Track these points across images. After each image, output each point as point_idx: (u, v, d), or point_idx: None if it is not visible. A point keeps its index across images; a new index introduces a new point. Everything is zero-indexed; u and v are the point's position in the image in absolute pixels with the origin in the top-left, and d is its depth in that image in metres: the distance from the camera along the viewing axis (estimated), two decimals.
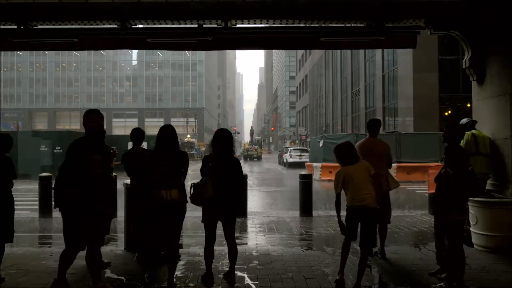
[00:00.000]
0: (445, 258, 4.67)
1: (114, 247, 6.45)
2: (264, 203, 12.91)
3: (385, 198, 5.87)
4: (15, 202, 4.84)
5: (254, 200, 12.91)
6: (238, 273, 4.95)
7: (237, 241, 4.92)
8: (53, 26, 7.09)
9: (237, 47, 7.85)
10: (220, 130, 4.82)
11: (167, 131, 4.57)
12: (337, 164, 4.75)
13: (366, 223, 4.51)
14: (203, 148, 55.36)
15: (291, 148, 36.33)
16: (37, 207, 9.33)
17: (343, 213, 4.60)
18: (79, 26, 7.12)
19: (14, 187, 4.79)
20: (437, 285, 4.57)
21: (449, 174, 4.39)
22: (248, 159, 48.38)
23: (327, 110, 52.20)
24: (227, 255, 4.80)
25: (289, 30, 7.21)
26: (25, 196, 12.38)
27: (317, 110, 59.76)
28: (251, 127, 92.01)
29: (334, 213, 5.05)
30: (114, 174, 6.90)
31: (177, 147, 4.61)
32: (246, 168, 31.09)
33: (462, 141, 6.47)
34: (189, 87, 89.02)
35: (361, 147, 5.70)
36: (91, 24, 7.02)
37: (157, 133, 4.59)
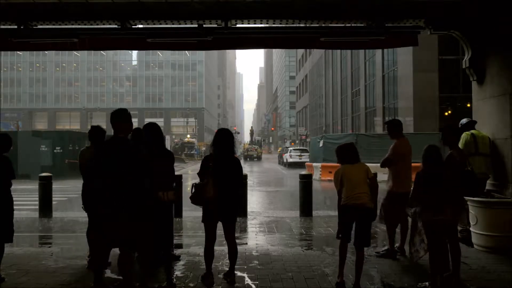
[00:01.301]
0: (447, 257, 4.67)
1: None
2: (264, 203, 12.90)
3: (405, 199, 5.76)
4: (15, 202, 4.84)
5: (254, 200, 12.90)
6: (238, 273, 4.94)
7: (237, 241, 4.92)
8: (53, 26, 7.09)
9: (237, 47, 7.85)
10: (221, 129, 4.83)
11: (158, 130, 4.60)
12: (337, 164, 4.77)
13: (362, 223, 4.49)
14: (203, 148, 55.35)
15: (291, 148, 36.33)
16: (37, 207, 9.32)
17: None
18: (79, 26, 7.12)
19: (13, 187, 4.79)
20: (422, 284, 4.56)
21: (444, 174, 4.40)
22: (248, 159, 48.37)
23: (327, 110, 52.18)
24: (227, 255, 4.80)
25: (289, 30, 7.21)
26: (25, 196, 12.37)
27: (317, 110, 59.73)
28: (251, 127, 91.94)
29: (334, 213, 5.05)
30: None
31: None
32: (246, 168, 31.09)
33: (461, 141, 6.49)
34: (189, 87, 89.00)
35: (401, 148, 5.68)
36: (91, 24, 7.02)
37: (145, 131, 4.60)
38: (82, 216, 4.93)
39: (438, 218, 4.36)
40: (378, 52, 31.17)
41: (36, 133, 26.22)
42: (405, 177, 5.69)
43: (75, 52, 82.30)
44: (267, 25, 7.28)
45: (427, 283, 4.49)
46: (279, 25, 7.14)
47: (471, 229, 5.99)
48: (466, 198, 5.94)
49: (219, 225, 4.68)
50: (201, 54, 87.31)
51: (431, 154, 4.50)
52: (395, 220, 5.77)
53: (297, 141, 68.84)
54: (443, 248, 4.48)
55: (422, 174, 4.48)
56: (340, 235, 4.62)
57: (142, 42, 7.11)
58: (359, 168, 4.61)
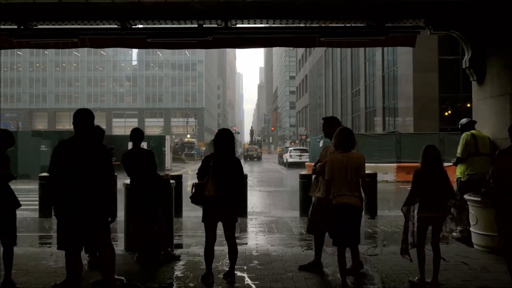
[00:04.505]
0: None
1: (114, 247, 6.44)
2: (264, 203, 12.91)
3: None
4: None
5: (254, 200, 12.90)
6: (238, 273, 4.94)
7: (237, 241, 4.92)
8: (53, 26, 7.09)
9: (237, 46, 7.85)
10: (222, 130, 4.86)
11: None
12: None
13: (352, 222, 4.36)
14: (203, 148, 55.31)
15: (291, 148, 36.34)
16: (37, 207, 9.33)
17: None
18: (79, 26, 7.12)
19: (13, 187, 4.78)
20: (415, 278, 4.58)
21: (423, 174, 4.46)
22: (248, 159, 48.40)
23: (327, 110, 52.18)
24: (227, 255, 4.80)
25: (289, 30, 7.21)
26: (25, 196, 12.36)
27: (317, 110, 59.75)
28: (251, 127, 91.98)
29: None
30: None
31: None
32: (246, 168, 31.08)
33: (461, 141, 6.49)
34: (189, 87, 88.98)
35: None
36: (91, 24, 7.02)
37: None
38: None
39: (433, 215, 4.41)
40: (378, 52, 31.18)
41: (36, 133, 26.20)
42: None
43: (75, 52, 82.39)
44: (267, 25, 7.28)
45: (416, 278, 4.55)
46: (279, 25, 7.14)
47: (471, 229, 5.99)
48: (466, 198, 5.95)
49: (219, 225, 4.68)
50: (201, 54, 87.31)
51: (430, 153, 4.53)
52: (323, 229, 5.01)
53: (297, 141, 68.85)
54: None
55: (420, 172, 4.51)
56: (335, 241, 4.38)
57: (142, 42, 7.11)
58: (353, 161, 4.35)
